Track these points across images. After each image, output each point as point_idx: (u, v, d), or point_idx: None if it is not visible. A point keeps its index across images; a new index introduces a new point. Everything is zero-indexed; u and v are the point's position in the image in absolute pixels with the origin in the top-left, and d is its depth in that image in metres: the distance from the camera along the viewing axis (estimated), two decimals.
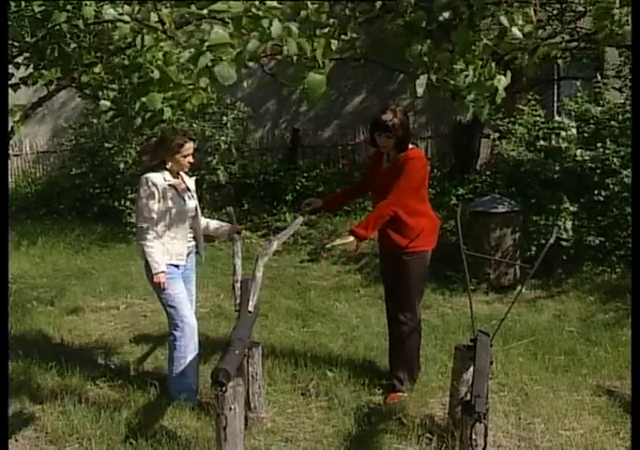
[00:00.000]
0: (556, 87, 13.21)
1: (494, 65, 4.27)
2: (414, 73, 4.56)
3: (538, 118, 9.30)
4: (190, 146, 5.07)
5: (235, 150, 11.28)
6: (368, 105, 13.70)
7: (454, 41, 4.36)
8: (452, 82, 4.33)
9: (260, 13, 2.79)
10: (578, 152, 8.23)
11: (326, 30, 3.28)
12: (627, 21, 3.94)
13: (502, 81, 4.27)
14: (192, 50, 3.02)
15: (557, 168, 8.47)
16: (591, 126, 8.69)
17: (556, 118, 9.05)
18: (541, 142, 8.70)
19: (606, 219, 8.35)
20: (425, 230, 5.20)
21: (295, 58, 3.01)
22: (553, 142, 8.59)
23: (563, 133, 8.48)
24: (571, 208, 8.12)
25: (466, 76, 4.27)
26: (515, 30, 4.28)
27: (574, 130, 8.53)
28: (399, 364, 5.32)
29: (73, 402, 5.02)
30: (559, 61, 5.03)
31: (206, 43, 2.85)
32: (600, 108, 8.84)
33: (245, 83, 10.78)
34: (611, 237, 8.27)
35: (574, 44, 9.74)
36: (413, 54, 4.42)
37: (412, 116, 13.47)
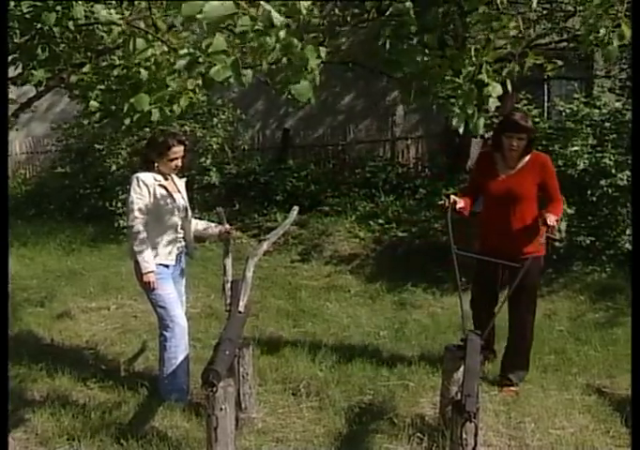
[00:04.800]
0: (546, 87, 13.23)
1: (489, 70, 4.26)
2: (403, 78, 4.57)
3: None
4: (177, 150, 5.04)
5: (227, 150, 11.28)
6: (358, 104, 13.71)
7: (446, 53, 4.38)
8: (441, 91, 4.34)
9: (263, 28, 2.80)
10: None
11: (314, 35, 3.30)
12: (611, 39, 3.89)
13: (497, 88, 4.25)
14: (188, 57, 3.03)
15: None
16: (588, 128, 8.67)
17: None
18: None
19: (596, 219, 8.36)
20: None
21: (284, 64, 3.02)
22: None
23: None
24: (569, 210, 8.11)
25: (457, 86, 4.27)
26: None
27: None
28: (518, 360, 5.50)
29: (63, 403, 5.01)
30: (548, 70, 5.08)
31: (209, 50, 2.86)
32: (597, 111, 8.83)
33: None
34: (601, 237, 8.28)
35: (564, 44, 9.77)
36: (402, 57, 4.43)
37: (402, 116, 13.52)
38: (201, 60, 2.97)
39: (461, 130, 5.01)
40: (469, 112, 4.20)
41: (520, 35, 4.86)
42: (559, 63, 5.27)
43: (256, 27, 2.80)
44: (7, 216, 3.70)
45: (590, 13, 3.82)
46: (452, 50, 4.48)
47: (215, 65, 2.87)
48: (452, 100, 4.37)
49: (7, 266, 3.74)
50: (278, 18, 2.83)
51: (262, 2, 2.84)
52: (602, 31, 3.78)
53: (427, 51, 4.56)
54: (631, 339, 3.80)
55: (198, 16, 2.77)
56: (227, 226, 5.35)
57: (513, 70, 4.50)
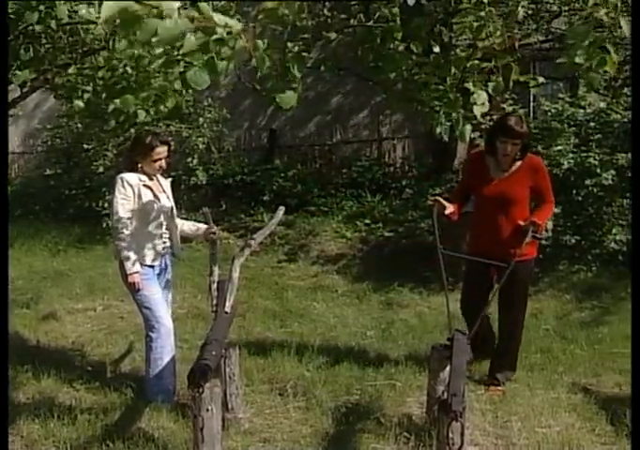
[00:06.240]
0: None
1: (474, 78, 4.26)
2: (388, 84, 4.57)
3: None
4: (161, 150, 5.01)
5: (214, 150, 11.28)
6: (345, 105, 13.71)
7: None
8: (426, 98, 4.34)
9: (224, 35, 2.74)
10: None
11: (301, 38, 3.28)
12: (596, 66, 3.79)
13: (482, 96, 4.25)
14: (164, 56, 3.01)
15: None
16: (573, 128, 8.69)
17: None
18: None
19: (582, 219, 8.39)
20: None
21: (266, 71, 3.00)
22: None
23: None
24: (556, 210, 8.15)
25: (442, 94, 4.27)
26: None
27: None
28: (506, 359, 5.50)
29: (49, 405, 4.97)
30: (532, 86, 5.10)
31: (181, 51, 2.82)
32: (582, 111, 8.85)
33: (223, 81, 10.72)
34: (587, 236, 8.31)
35: (549, 44, 9.79)
36: (387, 63, 4.44)
37: (388, 116, 13.52)
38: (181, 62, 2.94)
39: (446, 138, 4.98)
40: (454, 119, 4.21)
41: (505, 46, 4.85)
42: (542, 80, 5.26)
43: (215, 37, 2.74)
44: (6, 217, 3.68)
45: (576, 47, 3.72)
46: (438, 57, 4.48)
47: (192, 64, 2.83)
48: (437, 108, 4.37)
49: (7, 267, 3.72)
50: (235, 25, 2.78)
51: (214, 15, 2.77)
52: (583, 60, 3.69)
53: (413, 57, 4.56)
54: (631, 339, 3.80)
55: (154, 40, 2.70)
56: (213, 226, 5.33)
57: (499, 85, 4.50)
